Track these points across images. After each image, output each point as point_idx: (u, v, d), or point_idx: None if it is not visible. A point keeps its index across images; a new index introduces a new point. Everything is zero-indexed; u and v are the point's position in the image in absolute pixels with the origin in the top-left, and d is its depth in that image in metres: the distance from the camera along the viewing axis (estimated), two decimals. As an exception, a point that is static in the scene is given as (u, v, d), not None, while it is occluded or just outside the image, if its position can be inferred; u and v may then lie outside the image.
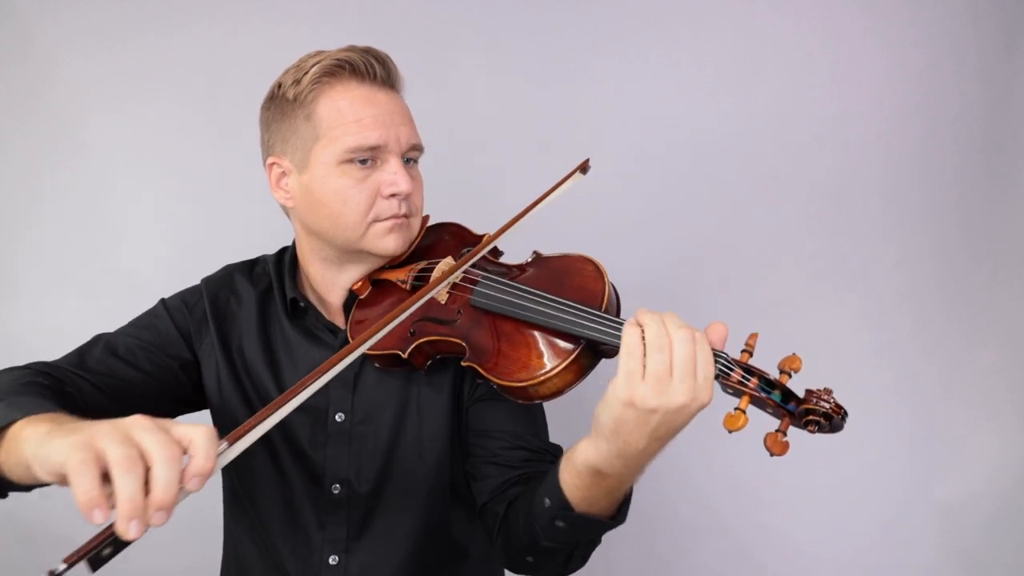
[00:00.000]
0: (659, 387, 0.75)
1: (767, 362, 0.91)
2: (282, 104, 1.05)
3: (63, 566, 0.56)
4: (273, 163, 1.08)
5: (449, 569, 1.16)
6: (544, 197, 1.06)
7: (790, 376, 0.82)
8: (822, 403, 0.78)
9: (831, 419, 0.78)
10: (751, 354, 0.83)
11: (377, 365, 1.08)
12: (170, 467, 0.59)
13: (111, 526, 0.58)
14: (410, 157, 1.09)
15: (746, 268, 1.97)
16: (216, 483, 1.25)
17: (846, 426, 0.81)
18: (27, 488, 0.79)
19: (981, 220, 1.97)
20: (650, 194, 1.93)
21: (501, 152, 1.88)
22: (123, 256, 1.85)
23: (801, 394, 0.80)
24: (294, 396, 0.75)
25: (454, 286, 1.04)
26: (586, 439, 0.83)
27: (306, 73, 1.02)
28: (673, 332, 0.76)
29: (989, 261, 1.98)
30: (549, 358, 0.90)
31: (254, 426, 0.71)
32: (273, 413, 0.73)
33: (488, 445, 1.07)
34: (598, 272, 0.96)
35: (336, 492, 1.09)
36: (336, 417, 1.10)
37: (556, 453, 1.07)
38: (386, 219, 1.05)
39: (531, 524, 0.92)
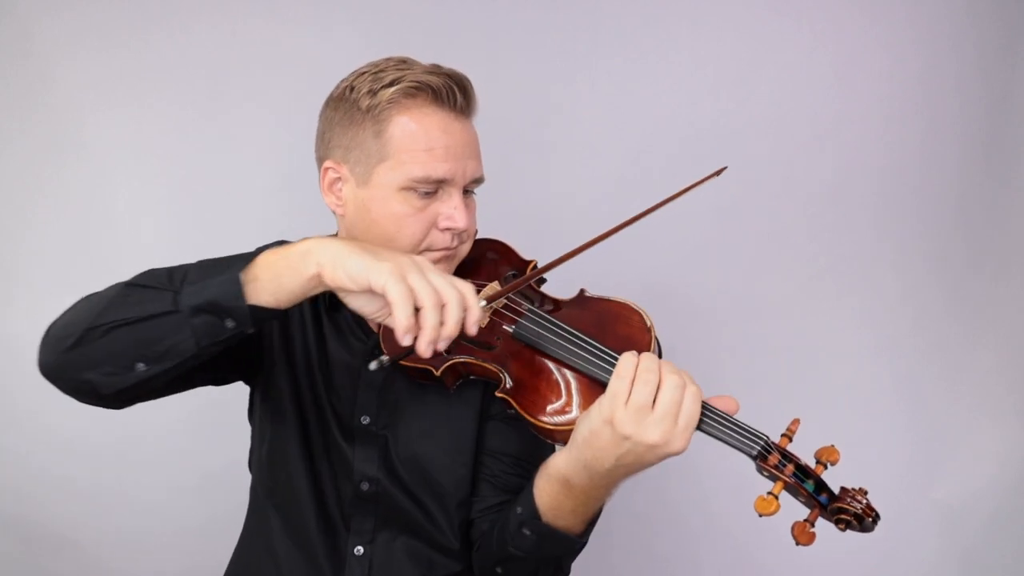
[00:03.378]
0: (638, 417, 0.79)
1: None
2: (352, 111, 1.01)
3: (386, 358, 0.84)
4: (329, 167, 1.05)
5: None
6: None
7: (826, 467, 0.83)
8: (855, 503, 0.79)
9: (862, 520, 0.79)
10: (791, 439, 0.85)
11: (409, 376, 1.07)
12: (459, 310, 0.79)
13: (415, 342, 0.78)
14: (470, 189, 1.08)
15: (746, 268, 1.97)
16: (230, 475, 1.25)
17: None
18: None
19: (981, 220, 1.97)
20: (649, 194, 1.93)
21: (500, 153, 1.88)
22: (123, 256, 1.84)
23: (836, 490, 0.82)
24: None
25: (495, 312, 1.02)
26: (562, 449, 0.89)
27: (385, 87, 0.99)
28: (665, 375, 0.81)
29: (989, 261, 1.98)
30: (586, 406, 0.89)
31: (505, 292, 0.96)
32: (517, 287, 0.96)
33: (489, 464, 1.09)
34: (644, 324, 0.96)
35: (364, 488, 1.09)
36: (362, 420, 1.09)
37: None
38: (436, 250, 1.04)
39: (503, 533, 0.96)
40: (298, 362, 1.12)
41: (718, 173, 1.07)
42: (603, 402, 0.82)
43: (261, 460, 1.17)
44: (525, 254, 1.16)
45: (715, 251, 1.96)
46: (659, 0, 1.88)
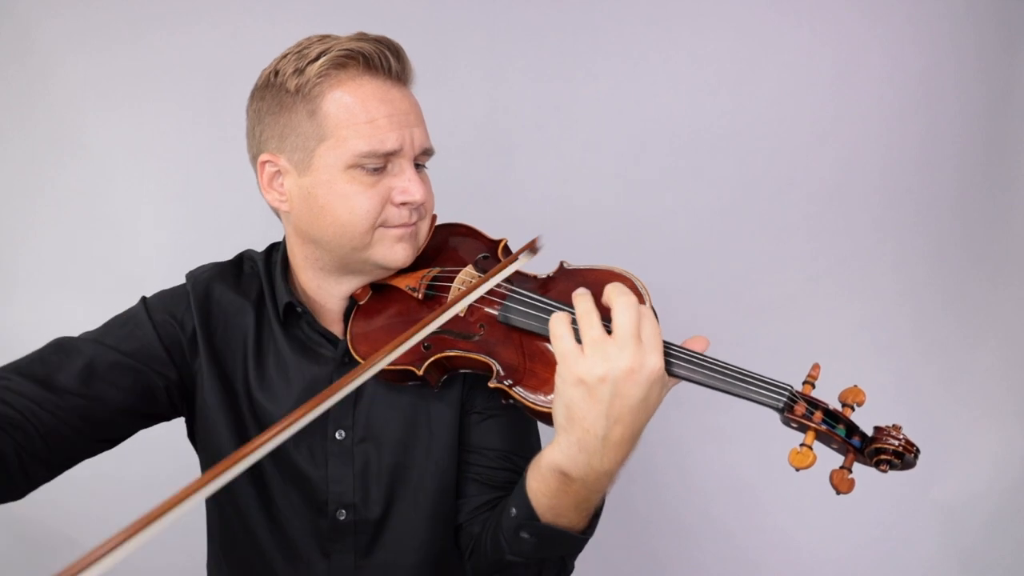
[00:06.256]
0: (599, 352, 0.73)
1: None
2: (280, 95, 0.92)
3: None
4: (266, 161, 0.95)
5: None
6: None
7: (853, 409, 0.78)
8: (892, 440, 0.74)
9: (903, 456, 0.73)
10: (814, 386, 0.80)
11: (385, 381, 0.98)
12: None
13: None
14: (420, 162, 0.98)
15: (746, 268, 1.97)
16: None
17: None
18: None
19: (980, 220, 1.97)
20: (649, 194, 1.94)
21: (499, 153, 1.88)
22: (123, 256, 1.85)
23: (870, 432, 0.77)
24: (279, 433, 0.65)
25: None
26: (551, 443, 0.80)
27: (311, 62, 0.90)
28: (615, 298, 0.75)
29: (988, 261, 1.98)
30: None
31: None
32: (245, 456, 0.63)
33: (473, 461, 1.01)
34: (636, 290, 0.87)
35: (342, 518, 1.00)
36: (336, 435, 1.00)
37: None
38: (395, 227, 0.94)
39: (497, 537, 0.88)
40: (245, 419, 1.01)
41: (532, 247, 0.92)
42: (561, 371, 0.75)
43: (219, 515, 1.07)
44: (494, 235, 1.09)
45: (715, 251, 1.96)
46: (659, 0, 1.88)
